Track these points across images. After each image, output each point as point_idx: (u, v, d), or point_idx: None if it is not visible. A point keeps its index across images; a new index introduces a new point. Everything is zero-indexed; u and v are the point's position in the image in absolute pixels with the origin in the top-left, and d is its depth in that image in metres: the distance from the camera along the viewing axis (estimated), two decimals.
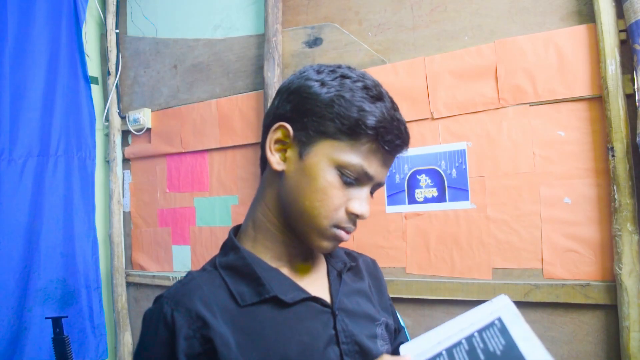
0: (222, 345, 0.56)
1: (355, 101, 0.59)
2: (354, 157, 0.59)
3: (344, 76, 0.61)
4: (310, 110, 0.60)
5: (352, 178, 0.60)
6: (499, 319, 0.50)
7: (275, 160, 0.63)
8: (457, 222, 1.31)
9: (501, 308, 0.51)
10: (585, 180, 1.16)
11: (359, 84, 0.60)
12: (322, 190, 0.60)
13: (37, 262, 1.68)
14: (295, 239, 0.66)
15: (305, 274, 0.69)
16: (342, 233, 0.63)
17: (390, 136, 0.60)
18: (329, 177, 0.60)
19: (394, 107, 0.63)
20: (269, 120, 0.66)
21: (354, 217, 0.63)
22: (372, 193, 0.65)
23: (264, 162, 0.69)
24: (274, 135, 0.63)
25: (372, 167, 0.61)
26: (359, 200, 0.62)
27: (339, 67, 0.64)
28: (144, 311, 0.63)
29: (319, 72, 0.63)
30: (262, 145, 0.67)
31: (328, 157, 0.60)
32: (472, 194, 1.30)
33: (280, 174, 0.64)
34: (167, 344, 0.57)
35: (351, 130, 0.59)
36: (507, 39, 1.25)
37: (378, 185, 0.65)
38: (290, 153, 0.63)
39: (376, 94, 0.61)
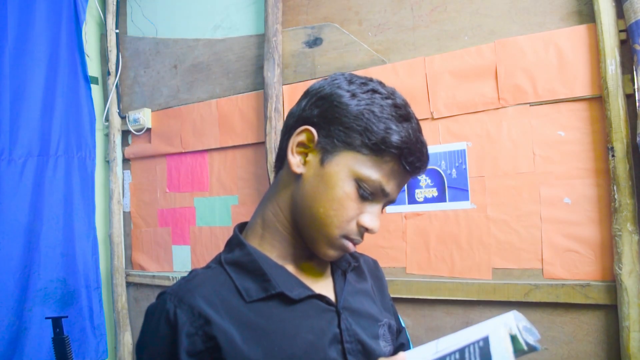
0: (226, 342, 0.56)
1: (383, 118, 0.59)
2: (374, 172, 0.60)
3: (374, 91, 0.62)
4: (338, 119, 0.61)
5: (369, 192, 0.61)
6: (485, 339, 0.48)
7: (296, 162, 0.63)
8: (457, 222, 1.31)
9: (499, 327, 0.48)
10: (585, 180, 1.16)
11: (389, 101, 0.61)
12: (338, 200, 0.60)
13: (37, 262, 1.68)
14: (302, 241, 0.67)
15: (310, 273, 0.69)
16: (349, 244, 0.64)
17: (412, 158, 0.61)
18: (347, 188, 0.60)
19: (419, 129, 0.64)
20: (293, 120, 0.66)
21: (363, 230, 0.63)
22: (383, 208, 0.66)
23: (280, 161, 0.69)
24: (298, 137, 0.63)
25: (390, 185, 0.62)
26: (371, 214, 0.63)
27: (371, 80, 0.64)
28: (144, 311, 0.63)
29: (350, 82, 0.63)
30: (282, 144, 0.67)
31: (349, 168, 0.60)
32: (472, 194, 1.30)
33: (297, 177, 0.64)
34: (168, 341, 0.57)
35: (376, 146, 0.59)
36: (507, 39, 1.25)
37: (390, 202, 0.65)
38: (311, 157, 0.63)
39: (404, 113, 0.62)
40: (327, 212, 0.61)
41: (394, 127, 0.59)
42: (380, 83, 0.65)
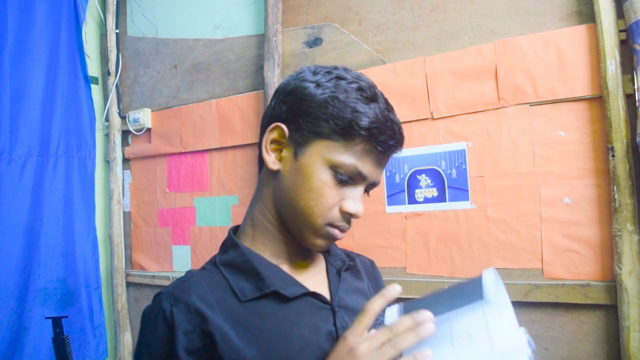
0: (222, 339, 0.56)
1: (349, 102, 0.60)
2: (347, 157, 0.60)
3: (339, 77, 0.62)
4: (305, 111, 0.62)
5: (346, 177, 0.61)
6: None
7: (271, 160, 0.65)
8: (457, 222, 1.31)
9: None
10: (585, 180, 1.16)
11: (354, 85, 0.61)
12: (316, 189, 0.61)
13: (37, 262, 1.68)
14: (293, 236, 0.67)
15: (304, 271, 0.70)
16: (336, 232, 0.64)
17: (383, 137, 0.61)
18: (323, 177, 0.61)
19: (388, 108, 0.64)
20: (266, 120, 0.67)
21: (348, 216, 0.64)
22: (367, 192, 0.66)
23: (262, 161, 0.70)
24: (270, 135, 0.65)
25: (366, 167, 0.62)
26: (353, 199, 0.63)
27: (335, 68, 0.65)
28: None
29: (315, 73, 0.64)
30: (259, 145, 0.68)
31: (322, 157, 0.61)
32: (472, 194, 1.30)
33: (276, 174, 0.65)
34: (166, 340, 0.57)
35: (345, 130, 0.60)
36: (507, 39, 1.25)
37: (373, 184, 0.65)
38: (285, 153, 0.64)
39: (370, 95, 0.62)
40: (307, 202, 0.61)
41: (360, 109, 0.60)
42: (346, 69, 0.65)
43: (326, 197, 0.61)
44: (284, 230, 0.67)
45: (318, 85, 0.62)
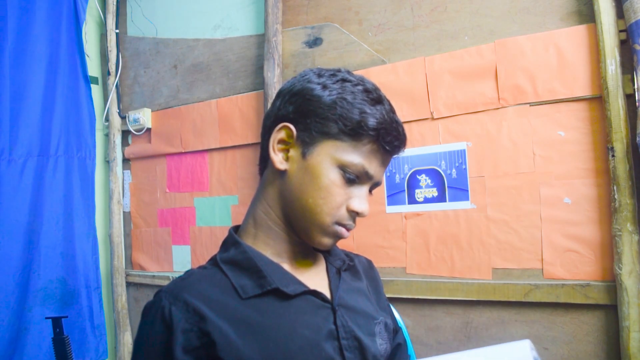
0: (220, 337, 0.56)
1: (356, 103, 0.61)
2: (355, 156, 0.62)
3: (344, 80, 0.64)
4: (313, 111, 0.62)
5: (354, 177, 0.62)
6: None
7: (278, 159, 0.65)
8: (457, 222, 1.31)
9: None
10: (585, 180, 1.16)
11: (360, 87, 0.63)
12: (325, 188, 0.62)
13: (37, 262, 1.68)
14: (295, 236, 0.68)
15: (305, 270, 0.70)
16: (342, 230, 0.65)
17: (389, 137, 0.62)
18: (332, 176, 0.62)
19: (392, 109, 0.65)
20: (270, 121, 0.67)
21: (354, 215, 0.65)
22: (371, 191, 0.67)
23: (264, 162, 0.71)
24: (278, 135, 0.65)
25: (373, 166, 0.63)
26: (360, 198, 0.64)
27: (339, 70, 0.66)
28: None
29: (319, 75, 0.65)
30: (263, 145, 0.68)
31: (331, 156, 0.62)
32: (472, 194, 1.30)
33: (282, 173, 0.66)
34: (164, 338, 0.57)
35: (353, 131, 0.61)
36: (507, 39, 1.25)
37: (377, 184, 0.67)
38: (293, 153, 0.65)
39: (376, 97, 0.63)
40: (316, 201, 0.62)
41: (367, 110, 0.61)
42: (349, 72, 0.66)
43: (335, 196, 0.62)
44: (288, 229, 0.67)
45: (325, 87, 0.63)
